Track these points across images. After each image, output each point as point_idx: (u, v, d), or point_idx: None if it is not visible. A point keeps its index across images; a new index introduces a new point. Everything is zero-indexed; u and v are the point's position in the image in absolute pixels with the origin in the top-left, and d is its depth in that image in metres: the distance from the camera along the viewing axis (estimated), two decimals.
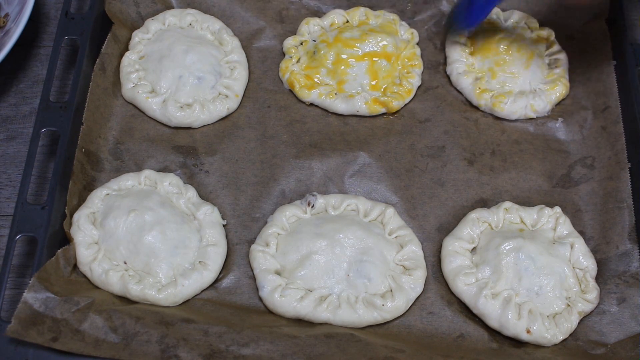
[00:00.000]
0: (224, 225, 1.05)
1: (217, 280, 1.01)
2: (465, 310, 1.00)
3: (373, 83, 1.18)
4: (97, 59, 1.12)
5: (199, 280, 0.98)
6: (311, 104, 1.18)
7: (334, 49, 1.19)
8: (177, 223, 1.01)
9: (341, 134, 1.15)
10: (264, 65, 1.22)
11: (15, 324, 0.87)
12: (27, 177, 1.00)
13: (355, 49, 1.19)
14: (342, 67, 1.18)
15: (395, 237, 1.04)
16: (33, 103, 1.20)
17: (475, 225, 1.04)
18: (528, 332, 0.95)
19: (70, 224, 1.00)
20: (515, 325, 0.95)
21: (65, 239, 0.99)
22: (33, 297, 0.90)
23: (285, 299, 0.96)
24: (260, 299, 0.99)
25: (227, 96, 1.16)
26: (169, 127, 1.14)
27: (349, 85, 1.18)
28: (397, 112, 1.17)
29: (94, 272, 0.97)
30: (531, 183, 1.12)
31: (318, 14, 1.27)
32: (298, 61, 1.21)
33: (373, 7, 1.27)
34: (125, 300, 0.97)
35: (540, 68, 1.21)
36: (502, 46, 1.20)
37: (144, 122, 1.14)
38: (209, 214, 1.04)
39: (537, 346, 0.96)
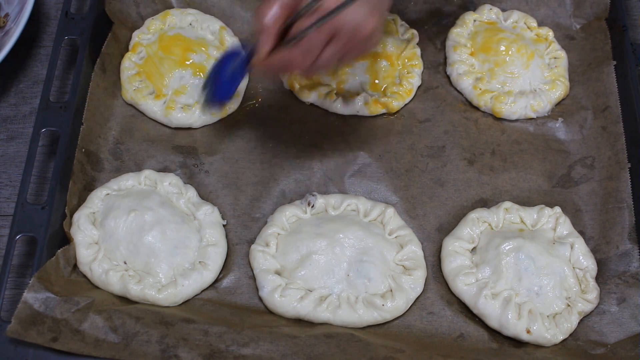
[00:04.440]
0: (224, 225, 1.05)
1: (217, 280, 1.01)
2: (465, 310, 1.00)
3: (373, 83, 1.18)
4: (97, 59, 1.12)
5: (199, 280, 0.98)
6: (311, 104, 1.18)
7: None
8: (177, 223, 1.01)
9: (341, 134, 1.15)
10: None
11: (15, 324, 0.87)
12: (27, 177, 1.00)
13: None
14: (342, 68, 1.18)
15: (395, 237, 1.04)
16: (33, 103, 1.19)
17: (475, 225, 1.04)
18: (528, 332, 0.95)
19: (70, 224, 1.00)
20: (515, 325, 0.95)
21: (65, 239, 0.99)
22: (33, 297, 0.89)
23: (285, 299, 0.96)
24: (260, 299, 0.99)
25: None
26: (169, 127, 1.14)
27: (349, 85, 1.18)
28: (397, 112, 1.17)
29: (94, 272, 0.97)
30: (531, 183, 1.12)
31: None
32: None
33: None
34: (125, 300, 0.97)
35: (540, 68, 1.21)
36: (502, 46, 1.20)
37: (144, 122, 1.14)
38: (209, 214, 1.04)
39: (537, 346, 0.96)
